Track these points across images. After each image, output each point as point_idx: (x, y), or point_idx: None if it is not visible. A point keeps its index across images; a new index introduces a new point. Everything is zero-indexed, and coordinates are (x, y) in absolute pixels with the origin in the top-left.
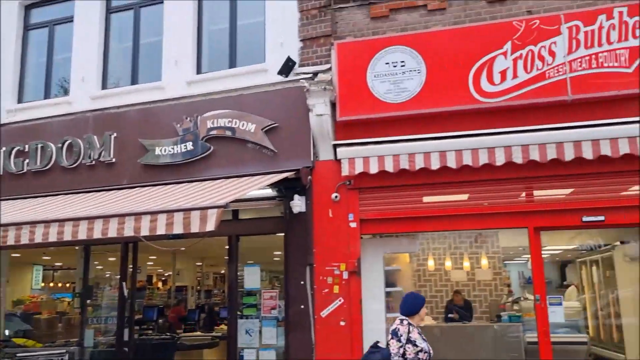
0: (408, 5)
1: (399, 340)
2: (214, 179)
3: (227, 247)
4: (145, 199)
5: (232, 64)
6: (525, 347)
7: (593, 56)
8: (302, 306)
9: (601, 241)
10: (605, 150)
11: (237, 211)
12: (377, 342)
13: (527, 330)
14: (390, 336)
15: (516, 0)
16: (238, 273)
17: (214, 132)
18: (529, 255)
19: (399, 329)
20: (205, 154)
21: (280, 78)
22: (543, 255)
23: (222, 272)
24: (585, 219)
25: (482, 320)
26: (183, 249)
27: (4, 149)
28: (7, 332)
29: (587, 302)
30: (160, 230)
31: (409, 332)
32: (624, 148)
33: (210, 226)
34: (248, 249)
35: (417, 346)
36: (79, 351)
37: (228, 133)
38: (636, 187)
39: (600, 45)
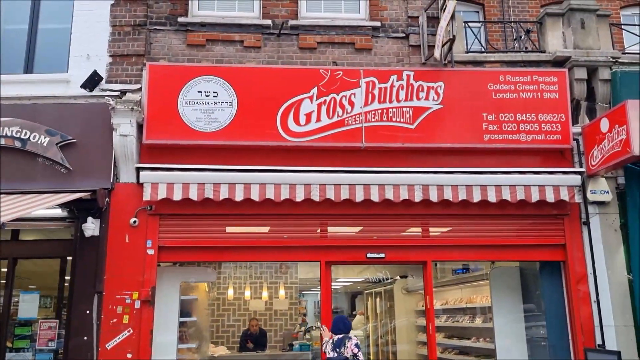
0: (225, 39)
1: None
2: None
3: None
4: None
5: (29, 69)
6: None
7: (384, 110)
8: (86, 337)
9: (388, 274)
10: (389, 194)
11: (18, 231)
12: (353, 355)
13: (315, 359)
14: (357, 349)
15: (324, 50)
16: (14, 300)
17: (2, 142)
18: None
19: (358, 342)
20: None
21: (84, 92)
22: (336, 287)
23: None
24: (369, 255)
25: (275, 349)
26: None
27: None
28: None
29: (371, 331)
30: None
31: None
32: (404, 194)
33: None
34: (31, 272)
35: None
36: None
37: (17, 144)
38: (413, 229)
39: (390, 101)
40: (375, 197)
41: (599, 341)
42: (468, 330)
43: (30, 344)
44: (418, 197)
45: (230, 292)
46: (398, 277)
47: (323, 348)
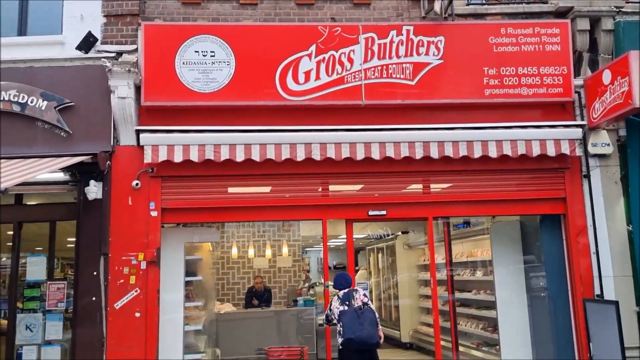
0: None
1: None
2: None
3: (10, 233)
4: None
5: (22, 31)
6: (316, 328)
7: (384, 67)
8: (94, 298)
9: (389, 231)
10: (390, 152)
11: (21, 195)
12: (363, 304)
13: (320, 313)
14: (366, 298)
15: (322, 6)
16: (21, 262)
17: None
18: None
19: (366, 292)
20: None
21: (80, 54)
22: (337, 243)
23: (4, 259)
24: (371, 212)
25: (280, 305)
26: None
27: None
28: None
29: (373, 286)
30: None
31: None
32: (405, 151)
33: None
34: (37, 234)
35: None
36: None
37: (16, 108)
38: (414, 186)
39: (390, 57)
40: (376, 154)
41: (597, 292)
42: (469, 283)
43: (40, 305)
44: (419, 154)
45: (234, 251)
46: (399, 233)
47: (329, 306)
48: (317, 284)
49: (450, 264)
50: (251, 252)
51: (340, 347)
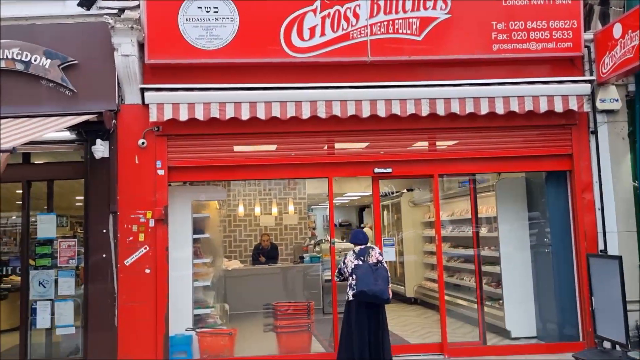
0: None
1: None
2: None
3: (19, 192)
4: None
5: None
6: (322, 284)
7: (390, 22)
8: (104, 255)
9: (393, 188)
10: (396, 109)
11: (29, 154)
12: (378, 262)
13: (326, 270)
14: (381, 256)
15: None
16: (31, 220)
17: (3, 64)
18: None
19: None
20: None
21: (81, 10)
22: (343, 201)
23: (13, 218)
24: (376, 170)
25: (286, 261)
26: None
27: None
28: None
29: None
30: None
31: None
32: (411, 108)
33: None
34: (43, 194)
35: None
36: None
37: (19, 67)
38: (420, 143)
39: (396, 12)
40: (382, 112)
41: (601, 247)
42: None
43: (51, 262)
44: (425, 111)
45: (241, 209)
46: (405, 191)
47: (342, 261)
48: (323, 241)
49: (477, 220)
50: (257, 210)
51: (351, 298)
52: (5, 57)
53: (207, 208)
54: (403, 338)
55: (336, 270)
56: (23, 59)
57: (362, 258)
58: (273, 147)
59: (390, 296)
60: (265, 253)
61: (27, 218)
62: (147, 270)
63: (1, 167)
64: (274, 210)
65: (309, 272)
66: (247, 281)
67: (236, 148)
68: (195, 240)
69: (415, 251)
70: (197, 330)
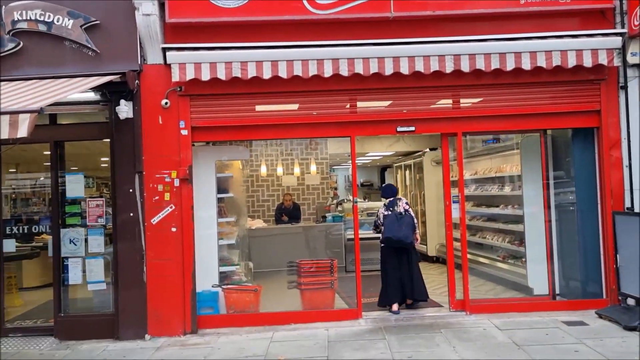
0: None
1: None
2: (24, 79)
3: (46, 153)
4: None
5: None
6: (345, 243)
7: None
8: (132, 214)
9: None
10: (419, 66)
11: (56, 115)
12: (405, 210)
13: (348, 229)
14: (407, 206)
15: None
16: (59, 180)
17: (23, 26)
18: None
19: (407, 201)
20: (12, 50)
21: None
22: (365, 160)
23: (41, 179)
24: (399, 129)
25: (309, 221)
26: None
27: None
28: None
29: None
30: None
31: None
32: (434, 65)
33: (23, 132)
34: (72, 154)
35: None
36: None
37: (42, 27)
38: (444, 101)
39: None
40: (404, 69)
41: (628, 205)
42: (497, 198)
43: (80, 221)
44: (449, 67)
45: (263, 169)
46: (427, 150)
47: (377, 214)
48: (345, 200)
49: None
50: (280, 170)
51: (382, 244)
52: (28, 17)
53: (230, 168)
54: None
55: (373, 223)
56: (46, 19)
57: (391, 209)
58: (295, 107)
59: (417, 240)
60: (288, 212)
61: (56, 178)
62: (174, 229)
63: (30, 127)
64: (296, 170)
65: (331, 232)
66: (270, 240)
67: (258, 108)
68: (219, 200)
69: (437, 210)
70: (223, 286)
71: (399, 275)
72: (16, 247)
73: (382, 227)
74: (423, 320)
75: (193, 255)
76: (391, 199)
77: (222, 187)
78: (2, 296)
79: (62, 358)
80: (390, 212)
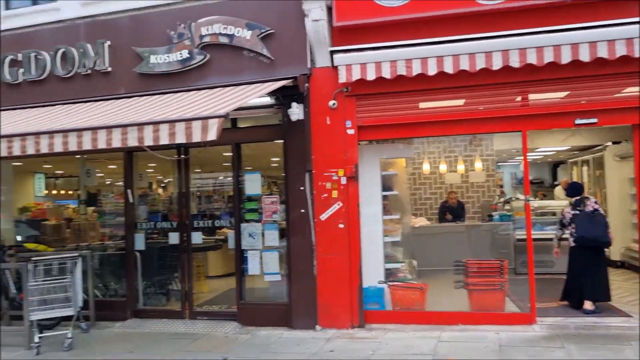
0: None
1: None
2: (210, 87)
3: (225, 154)
4: (145, 109)
5: None
6: (514, 243)
7: None
8: (302, 210)
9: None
10: (602, 52)
11: (236, 119)
12: (594, 209)
13: (517, 229)
14: (596, 205)
15: None
16: (239, 179)
17: (208, 40)
18: (522, 158)
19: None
20: (201, 62)
21: None
22: (535, 157)
23: (221, 178)
24: (578, 121)
25: (474, 219)
26: (183, 157)
27: None
28: (18, 238)
29: None
30: (164, 140)
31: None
32: (621, 50)
33: (212, 135)
34: (246, 156)
35: None
36: (90, 255)
37: (224, 40)
38: (631, 89)
39: None
40: (585, 56)
41: None
42: None
43: (258, 216)
44: (638, 51)
45: (426, 167)
46: (609, 144)
47: (561, 213)
48: (513, 199)
49: None
50: (443, 167)
51: (573, 244)
52: (212, 32)
53: (394, 166)
54: (608, 303)
55: (557, 223)
56: (228, 32)
57: (579, 208)
58: (460, 102)
59: (612, 240)
60: (452, 211)
61: (236, 177)
62: (341, 225)
63: (218, 130)
64: (460, 167)
65: (498, 231)
66: (434, 238)
67: (422, 105)
68: (384, 197)
69: (621, 210)
70: (389, 283)
71: (588, 275)
72: (202, 239)
73: (570, 227)
74: (608, 330)
75: (359, 251)
76: (577, 197)
77: (386, 184)
78: (192, 283)
79: (245, 341)
80: (578, 211)
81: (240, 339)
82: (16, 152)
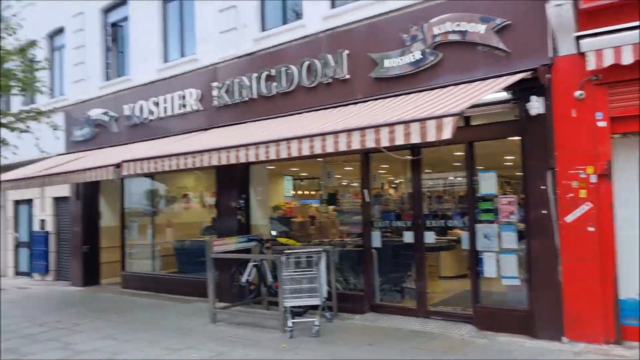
0: None
1: None
2: (442, 86)
3: (455, 154)
4: (381, 112)
5: None
6: None
7: None
8: (544, 211)
9: None
10: None
11: (469, 117)
12: None
13: None
14: None
15: None
16: (473, 179)
17: (440, 39)
18: None
19: None
20: (433, 62)
21: None
22: None
23: (451, 178)
24: None
25: None
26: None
27: (255, 74)
28: (273, 233)
29: None
30: (399, 140)
31: None
32: None
33: (447, 134)
34: (479, 154)
35: None
36: (332, 250)
37: (456, 37)
38: None
39: None
40: None
41: None
42: None
43: (493, 217)
44: None
45: None
46: None
47: None
48: None
49: None
50: None
51: None
52: (445, 30)
53: None
54: None
55: None
56: (460, 29)
57: None
58: None
59: None
60: None
61: (470, 177)
62: (591, 229)
63: (453, 129)
64: None
65: None
66: None
67: None
68: None
69: None
70: None
71: None
72: (434, 239)
73: None
74: None
75: (614, 259)
76: None
77: None
78: (426, 282)
79: (482, 345)
80: None
81: (477, 343)
82: (272, 156)
